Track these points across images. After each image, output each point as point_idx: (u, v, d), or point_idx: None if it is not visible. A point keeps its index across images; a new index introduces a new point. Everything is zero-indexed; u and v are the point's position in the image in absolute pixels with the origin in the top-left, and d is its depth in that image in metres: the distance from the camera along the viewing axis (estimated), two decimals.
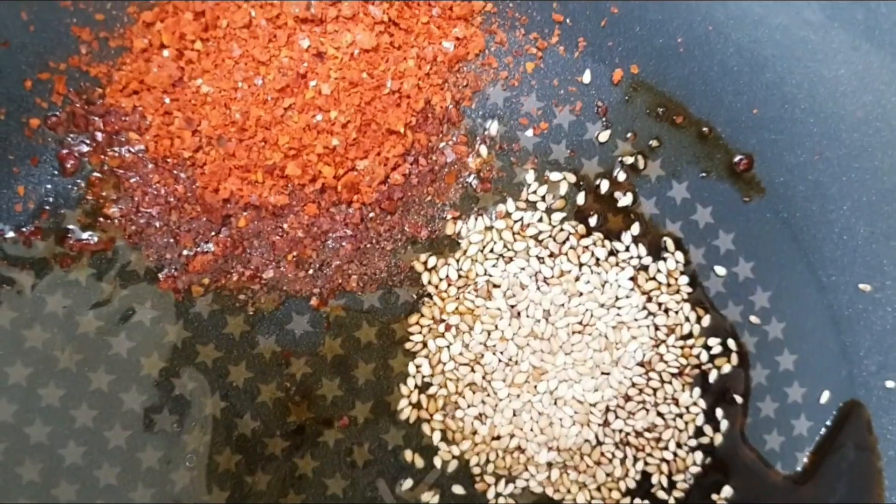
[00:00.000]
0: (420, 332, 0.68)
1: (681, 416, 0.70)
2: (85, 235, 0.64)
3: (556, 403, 0.68)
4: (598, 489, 0.69)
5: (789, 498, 0.71)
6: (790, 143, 0.70)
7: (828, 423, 0.71)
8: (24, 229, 0.64)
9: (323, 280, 0.67)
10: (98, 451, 0.65)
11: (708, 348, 0.70)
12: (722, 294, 0.71)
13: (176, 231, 0.65)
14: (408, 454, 0.68)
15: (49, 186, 0.64)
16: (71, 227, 0.64)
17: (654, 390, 0.69)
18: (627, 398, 0.69)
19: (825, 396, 0.71)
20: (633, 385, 0.69)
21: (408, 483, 0.68)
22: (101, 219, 0.64)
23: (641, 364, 0.69)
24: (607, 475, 0.69)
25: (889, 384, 0.71)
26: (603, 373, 0.68)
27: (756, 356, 0.71)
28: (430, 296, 0.68)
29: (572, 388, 0.68)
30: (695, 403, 0.70)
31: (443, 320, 0.68)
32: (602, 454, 0.69)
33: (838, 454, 0.71)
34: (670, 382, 0.70)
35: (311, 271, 0.66)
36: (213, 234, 0.65)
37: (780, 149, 0.70)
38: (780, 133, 0.70)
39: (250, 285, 0.66)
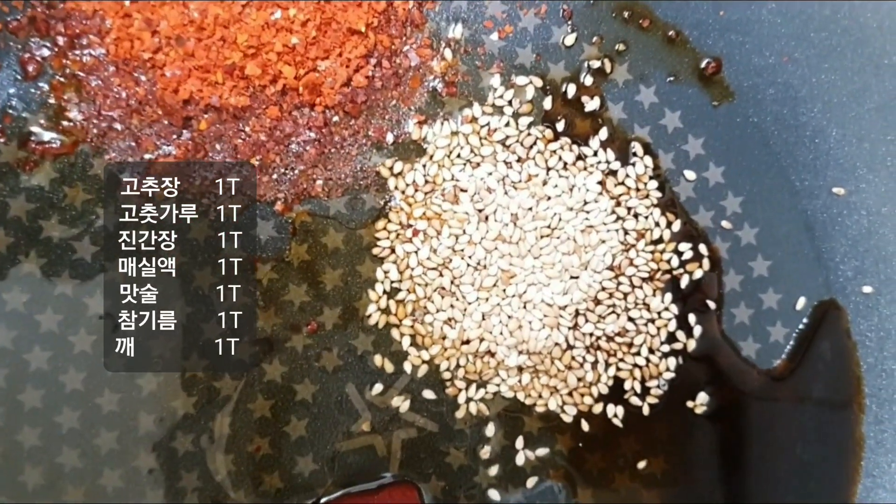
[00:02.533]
0: (387, 238, 0.68)
1: (652, 321, 0.69)
2: (47, 138, 0.64)
3: (525, 307, 0.67)
4: (570, 394, 0.68)
5: (765, 405, 0.70)
6: (758, 45, 0.70)
7: (804, 328, 0.71)
8: None
9: (287, 185, 0.66)
10: (63, 358, 0.65)
11: (679, 253, 0.70)
12: (692, 199, 0.70)
13: (138, 134, 0.64)
14: (377, 359, 0.67)
15: (11, 91, 0.64)
16: (34, 129, 0.64)
17: (625, 295, 0.68)
18: (597, 302, 0.68)
19: (801, 303, 0.71)
20: (603, 289, 0.68)
21: (378, 388, 0.67)
22: (64, 123, 0.64)
23: (611, 268, 0.68)
24: (578, 380, 0.68)
25: (866, 289, 0.70)
26: (572, 276, 0.68)
27: (729, 262, 0.70)
28: (395, 200, 0.68)
29: (541, 292, 0.67)
30: (666, 309, 0.69)
31: (410, 225, 0.68)
32: (573, 358, 0.68)
33: (815, 358, 0.70)
34: (641, 287, 0.69)
35: (274, 176, 0.66)
36: (174, 136, 0.65)
37: (748, 52, 0.70)
38: (748, 35, 0.70)
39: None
